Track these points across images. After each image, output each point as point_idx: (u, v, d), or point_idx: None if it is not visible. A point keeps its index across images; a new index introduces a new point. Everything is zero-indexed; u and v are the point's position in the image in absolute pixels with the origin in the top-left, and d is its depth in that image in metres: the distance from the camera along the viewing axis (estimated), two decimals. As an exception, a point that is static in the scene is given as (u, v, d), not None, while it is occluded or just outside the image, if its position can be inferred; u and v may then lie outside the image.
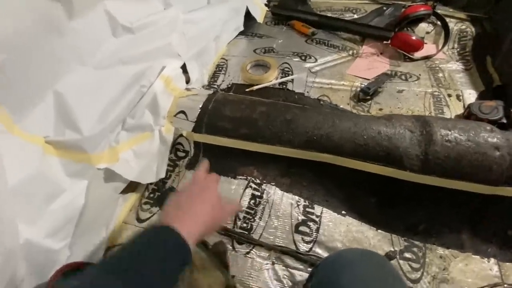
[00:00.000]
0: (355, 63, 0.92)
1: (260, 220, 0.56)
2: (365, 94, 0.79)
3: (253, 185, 0.61)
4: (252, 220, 0.56)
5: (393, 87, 0.84)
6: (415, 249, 0.55)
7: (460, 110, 0.76)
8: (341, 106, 0.79)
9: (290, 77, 0.84)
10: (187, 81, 0.76)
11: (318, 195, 0.61)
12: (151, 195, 0.65)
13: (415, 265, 0.53)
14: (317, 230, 0.56)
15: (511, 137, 0.52)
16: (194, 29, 0.77)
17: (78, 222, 0.49)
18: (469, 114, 0.72)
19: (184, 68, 0.74)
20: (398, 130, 0.56)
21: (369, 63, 0.92)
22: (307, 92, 0.82)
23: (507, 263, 0.53)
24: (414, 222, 0.57)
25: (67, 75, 0.50)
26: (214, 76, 0.89)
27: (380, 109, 0.79)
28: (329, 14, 1.07)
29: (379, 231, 0.58)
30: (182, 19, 0.74)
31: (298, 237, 0.55)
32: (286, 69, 0.88)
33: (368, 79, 0.86)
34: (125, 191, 0.58)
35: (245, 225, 0.55)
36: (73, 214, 0.48)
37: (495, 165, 0.50)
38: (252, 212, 0.57)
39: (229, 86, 0.85)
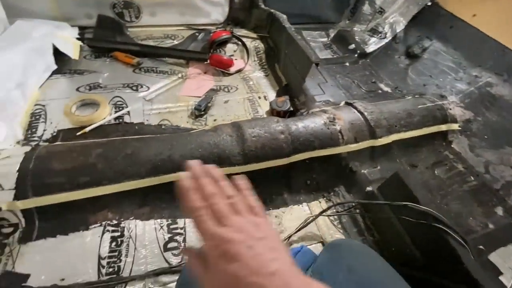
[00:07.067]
0: (185, 85, 1.05)
1: (127, 257, 0.58)
2: (199, 111, 0.93)
3: (110, 228, 0.61)
4: (118, 261, 0.56)
5: (221, 99, 1.03)
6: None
7: (267, 107, 1.04)
8: (182, 126, 0.89)
9: (125, 110, 0.86)
10: (-10, 144, 0.64)
11: (179, 210, 0.68)
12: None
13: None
14: (184, 240, 0.64)
15: (289, 122, 0.79)
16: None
17: None
18: (272, 109, 1.01)
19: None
20: (222, 137, 0.72)
21: (198, 82, 1.08)
22: (147, 120, 0.87)
23: (312, 202, 0.80)
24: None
25: None
26: (31, 127, 0.77)
27: (215, 120, 0.95)
28: (150, 42, 1.14)
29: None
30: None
31: (168, 254, 0.61)
32: (119, 103, 0.89)
33: (200, 97, 1.01)
34: None
35: (111, 269, 0.55)
36: None
37: (284, 144, 0.74)
38: (116, 253, 0.57)
39: (54, 134, 0.77)
